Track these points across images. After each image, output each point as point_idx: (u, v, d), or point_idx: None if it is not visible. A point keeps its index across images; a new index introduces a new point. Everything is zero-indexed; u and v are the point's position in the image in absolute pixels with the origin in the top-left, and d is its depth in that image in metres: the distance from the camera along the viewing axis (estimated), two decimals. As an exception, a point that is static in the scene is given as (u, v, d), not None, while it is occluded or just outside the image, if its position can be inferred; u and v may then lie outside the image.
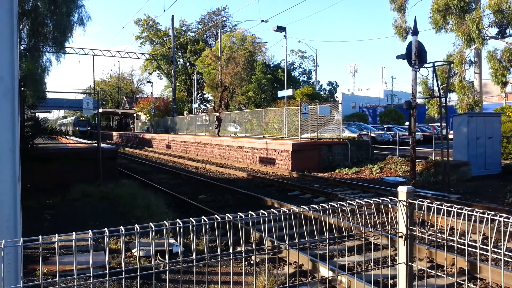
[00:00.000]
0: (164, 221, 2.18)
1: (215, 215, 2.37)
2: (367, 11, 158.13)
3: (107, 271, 2.01)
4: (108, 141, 48.58)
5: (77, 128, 56.27)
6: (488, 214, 2.41)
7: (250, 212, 2.41)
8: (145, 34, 61.45)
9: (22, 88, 9.93)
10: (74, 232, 1.94)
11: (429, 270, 4.58)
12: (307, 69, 54.73)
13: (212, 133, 28.42)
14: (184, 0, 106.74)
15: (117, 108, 70.89)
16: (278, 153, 18.00)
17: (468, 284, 4.72)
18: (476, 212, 2.43)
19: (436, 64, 12.25)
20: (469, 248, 2.52)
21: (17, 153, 2.89)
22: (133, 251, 5.75)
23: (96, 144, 12.87)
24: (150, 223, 2.12)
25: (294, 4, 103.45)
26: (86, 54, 40.56)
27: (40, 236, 1.93)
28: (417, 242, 5.76)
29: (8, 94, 2.86)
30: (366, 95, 74.93)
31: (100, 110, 19.72)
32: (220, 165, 20.40)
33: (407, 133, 17.86)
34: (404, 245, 2.76)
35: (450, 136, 14.79)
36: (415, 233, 2.77)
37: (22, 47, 10.15)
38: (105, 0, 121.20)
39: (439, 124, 17.12)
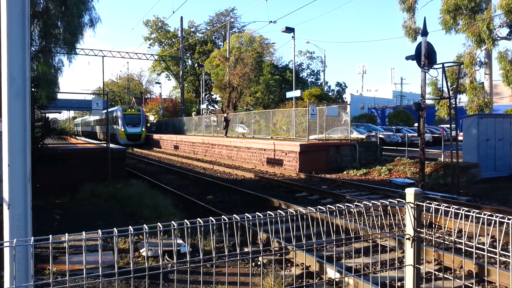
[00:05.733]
0: (172, 222, 2.20)
1: (222, 216, 2.39)
2: (376, 11, 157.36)
3: (115, 270, 2.04)
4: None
5: (121, 130, 38.14)
6: (496, 217, 2.39)
7: (257, 213, 2.43)
8: (154, 35, 61.83)
9: (33, 89, 10.04)
10: (83, 232, 1.97)
11: (436, 273, 4.55)
12: (315, 70, 54.73)
13: (220, 134, 28.49)
14: (193, 2, 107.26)
15: (126, 109, 71.08)
16: (286, 154, 17.99)
17: (477, 287, 4.68)
18: (484, 214, 2.42)
19: (445, 65, 12.16)
20: (477, 251, 2.50)
21: (28, 153, 2.93)
22: (141, 251, 5.79)
23: (105, 145, 12.99)
24: (158, 223, 2.15)
25: (303, 5, 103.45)
26: (95, 55, 40.97)
27: (50, 236, 1.97)
28: (424, 244, 5.73)
29: (20, 95, 2.90)
30: (375, 96, 74.44)
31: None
32: (227, 166, 20.44)
33: (416, 134, 17.73)
34: (412, 247, 2.76)
35: (460, 138, 14.67)
36: (422, 235, 2.77)
37: (33, 48, 10.28)
38: (115, 1, 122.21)
39: (448, 126, 16.97)
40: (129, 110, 39.96)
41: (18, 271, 2.61)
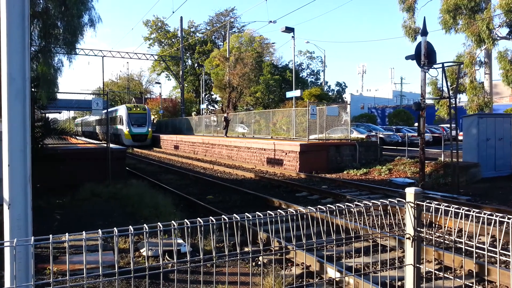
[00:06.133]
0: (172, 221, 2.20)
1: (223, 216, 2.39)
2: (376, 11, 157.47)
3: (116, 270, 2.04)
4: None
5: (126, 130, 36.08)
6: (496, 216, 2.39)
7: (257, 213, 2.43)
8: (154, 35, 61.83)
9: (33, 89, 10.05)
10: (84, 232, 1.97)
11: (437, 272, 4.55)
12: (315, 69, 54.74)
13: (220, 134, 28.49)
14: (193, 2, 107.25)
15: (126, 108, 70.91)
16: (286, 154, 17.99)
17: (477, 287, 4.68)
18: (484, 213, 2.42)
19: (445, 64, 12.17)
20: (477, 250, 2.50)
21: (28, 153, 2.93)
22: (141, 250, 5.79)
23: (105, 145, 13.00)
24: (159, 223, 2.15)
25: (303, 5, 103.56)
26: (95, 55, 40.97)
27: (50, 236, 1.97)
28: (424, 243, 5.73)
29: (19, 95, 2.90)
30: (374, 96, 74.42)
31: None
32: (228, 165, 20.44)
33: (416, 134, 17.73)
34: (412, 246, 2.75)
35: (460, 137, 14.67)
36: (422, 235, 2.77)
37: (33, 49, 10.27)
38: (115, 1, 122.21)
39: (448, 125, 16.98)
40: (134, 109, 37.57)
41: (18, 271, 2.61)
